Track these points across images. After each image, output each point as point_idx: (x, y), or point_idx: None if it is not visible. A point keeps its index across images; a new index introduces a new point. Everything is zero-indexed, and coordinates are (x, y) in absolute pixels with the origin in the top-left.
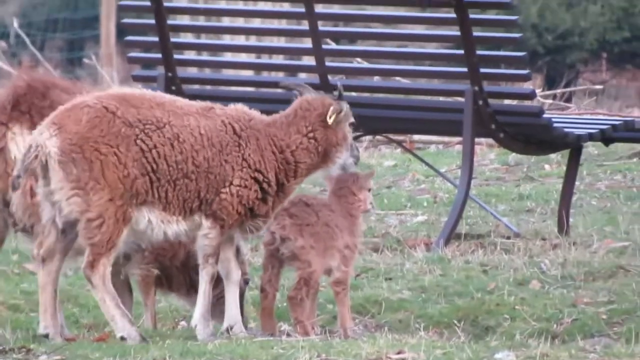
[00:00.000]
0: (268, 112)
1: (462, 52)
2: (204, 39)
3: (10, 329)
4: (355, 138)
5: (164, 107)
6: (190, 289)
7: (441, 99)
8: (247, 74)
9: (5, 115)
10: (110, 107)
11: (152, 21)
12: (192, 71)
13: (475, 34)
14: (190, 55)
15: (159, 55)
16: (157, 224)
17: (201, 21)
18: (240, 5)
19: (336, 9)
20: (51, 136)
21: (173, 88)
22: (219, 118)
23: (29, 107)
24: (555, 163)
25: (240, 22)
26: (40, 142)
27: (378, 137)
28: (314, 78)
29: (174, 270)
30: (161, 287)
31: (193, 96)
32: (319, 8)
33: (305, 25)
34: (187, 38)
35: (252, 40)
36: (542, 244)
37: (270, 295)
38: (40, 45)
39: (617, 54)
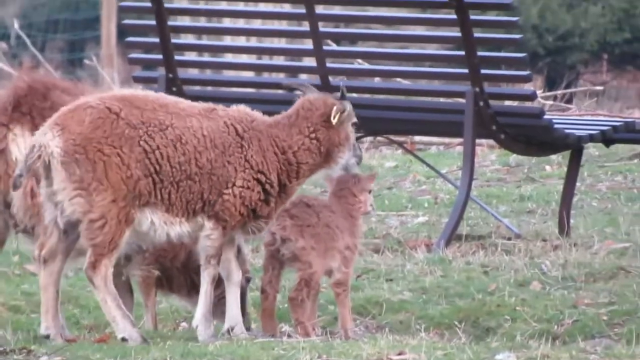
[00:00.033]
0: (269, 113)
1: (462, 53)
2: (204, 40)
3: (11, 330)
4: (357, 139)
5: (167, 109)
6: (191, 290)
7: (442, 100)
8: (248, 75)
9: (6, 116)
10: (113, 108)
11: (153, 22)
12: (193, 72)
13: (475, 35)
14: (191, 56)
15: (160, 57)
16: (160, 225)
17: (202, 22)
18: (241, 7)
19: (337, 10)
20: (54, 137)
21: (174, 89)
22: (221, 119)
23: (29, 108)
24: (556, 164)
25: (241, 23)
26: (43, 142)
27: (379, 138)
28: (315, 79)
29: (175, 272)
30: (162, 288)
31: (194, 97)
32: (320, 9)
33: (306, 27)
34: (188, 39)
35: (253, 42)
36: (543, 245)
37: (271, 296)
38: (40, 46)
39: (617, 55)
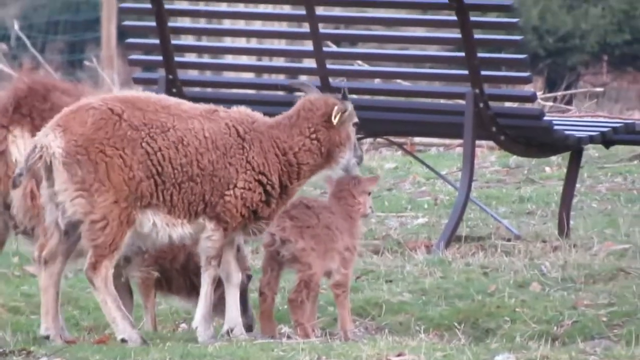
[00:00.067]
0: (269, 115)
1: (463, 54)
2: (204, 42)
3: (11, 331)
4: (357, 140)
5: (169, 111)
6: (191, 291)
7: (442, 101)
8: (248, 76)
9: (7, 118)
10: (115, 109)
11: (153, 24)
12: (193, 73)
13: (476, 36)
14: (191, 57)
15: (160, 58)
16: (162, 227)
17: (202, 23)
18: (241, 8)
19: (337, 11)
20: (56, 137)
21: (174, 90)
22: (222, 121)
23: (29, 109)
24: (555, 165)
25: (241, 24)
26: (45, 143)
27: (379, 139)
28: (315, 80)
29: (174, 273)
30: (161, 290)
31: (194, 99)
32: (320, 10)
33: (306, 28)
34: (188, 40)
35: (253, 43)
36: (543, 247)
37: (269, 298)
38: (41, 47)
39: (617, 57)
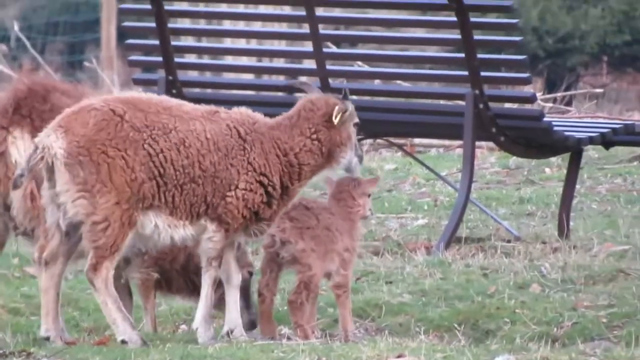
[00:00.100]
0: (269, 116)
1: (462, 55)
2: (204, 42)
3: (11, 332)
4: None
5: (171, 112)
6: (192, 290)
7: (442, 102)
8: (248, 77)
9: (6, 119)
10: (117, 110)
11: (153, 24)
12: (193, 74)
13: (476, 37)
14: (191, 58)
15: (160, 59)
16: (164, 228)
17: (202, 24)
18: (241, 9)
19: (337, 12)
20: (58, 138)
21: (173, 91)
22: (224, 122)
23: (29, 110)
24: (555, 166)
25: (241, 25)
26: (47, 143)
27: (379, 140)
28: (315, 81)
29: (174, 274)
30: (161, 290)
31: (194, 100)
32: (320, 11)
33: (306, 29)
34: (188, 41)
35: (253, 44)
36: (543, 248)
37: (268, 299)
38: (40, 48)
39: (617, 58)
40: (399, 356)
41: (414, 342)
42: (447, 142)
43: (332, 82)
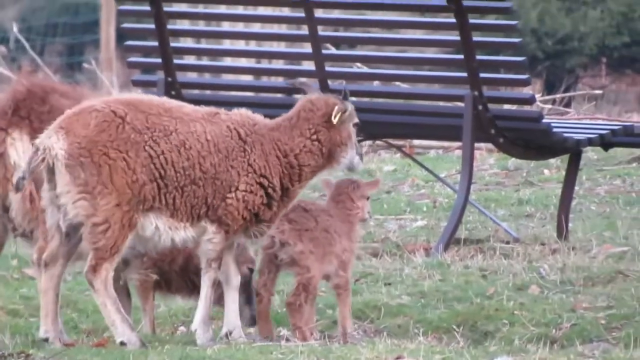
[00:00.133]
0: (268, 117)
1: (461, 57)
2: (203, 44)
3: (10, 334)
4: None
5: (171, 114)
6: (192, 290)
7: (441, 103)
8: (247, 78)
9: (5, 120)
10: (118, 112)
11: (152, 26)
12: (192, 76)
13: (474, 38)
14: (190, 60)
15: (159, 60)
16: (164, 230)
17: (201, 26)
18: (240, 10)
19: (336, 14)
20: (59, 139)
21: (173, 93)
22: (224, 123)
23: (28, 112)
24: (554, 168)
25: (240, 26)
26: (48, 145)
27: (378, 142)
28: (314, 83)
29: (173, 275)
30: (160, 290)
31: (193, 101)
32: (319, 13)
33: (305, 30)
34: (187, 43)
35: (252, 45)
36: (541, 249)
37: (265, 299)
38: (40, 49)
39: (616, 59)
40: (397, 358)
41: (412, 344)
42: (446, 143)
43: (331, 83)
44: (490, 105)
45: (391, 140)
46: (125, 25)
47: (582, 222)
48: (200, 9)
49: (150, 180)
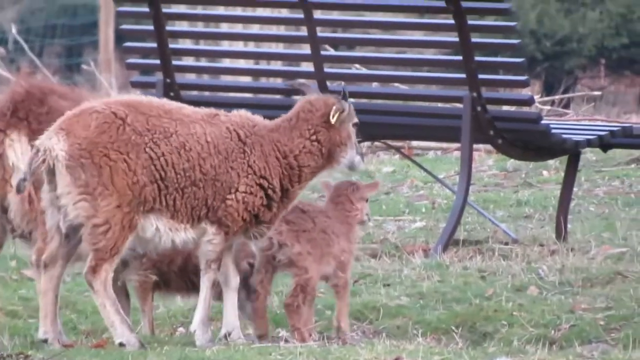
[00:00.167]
0: (267, 118)
1: (460, 58)
2: (202, 45)
3: (8, 335)
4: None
5: (172, 115)
6: (191, 290)
7: (439, 105)
8: (246, 80)
9: (4, 122)
10: (119, 113)
11: (151, 27)
12: (191, 77)
13: (473, 40)
14: (189, 61)
15: (158, 62)
16: (165, 231)
17: (199, 27)
18: (239, 12)
19: (335, 15)
20: (59, 141)
21: (171, 94)
22: (223, 125)
23: (27, 113)
24: (553, 169)
25: (238, 28)
26: (48, 146)
27: (376, 143)
28: (313, 84)
29: (173, 275)
30: (160, 290)
31: (191, 102)
32: (318, 14)
33: (303, 32)
34: (186, 44)
35: (251, 47)
36: (540, 250)
37: (262, 296)
38: (38, 51)
39: (615, 60)
40: (396, 359)
41: (411, 345)
42: (444, 144)
43: (330, 84)
44: (489, 107)
45: (390, 142)
46: (124, 26)
47: (581, 223)
48: (199, 10)
49: (150, 182)
